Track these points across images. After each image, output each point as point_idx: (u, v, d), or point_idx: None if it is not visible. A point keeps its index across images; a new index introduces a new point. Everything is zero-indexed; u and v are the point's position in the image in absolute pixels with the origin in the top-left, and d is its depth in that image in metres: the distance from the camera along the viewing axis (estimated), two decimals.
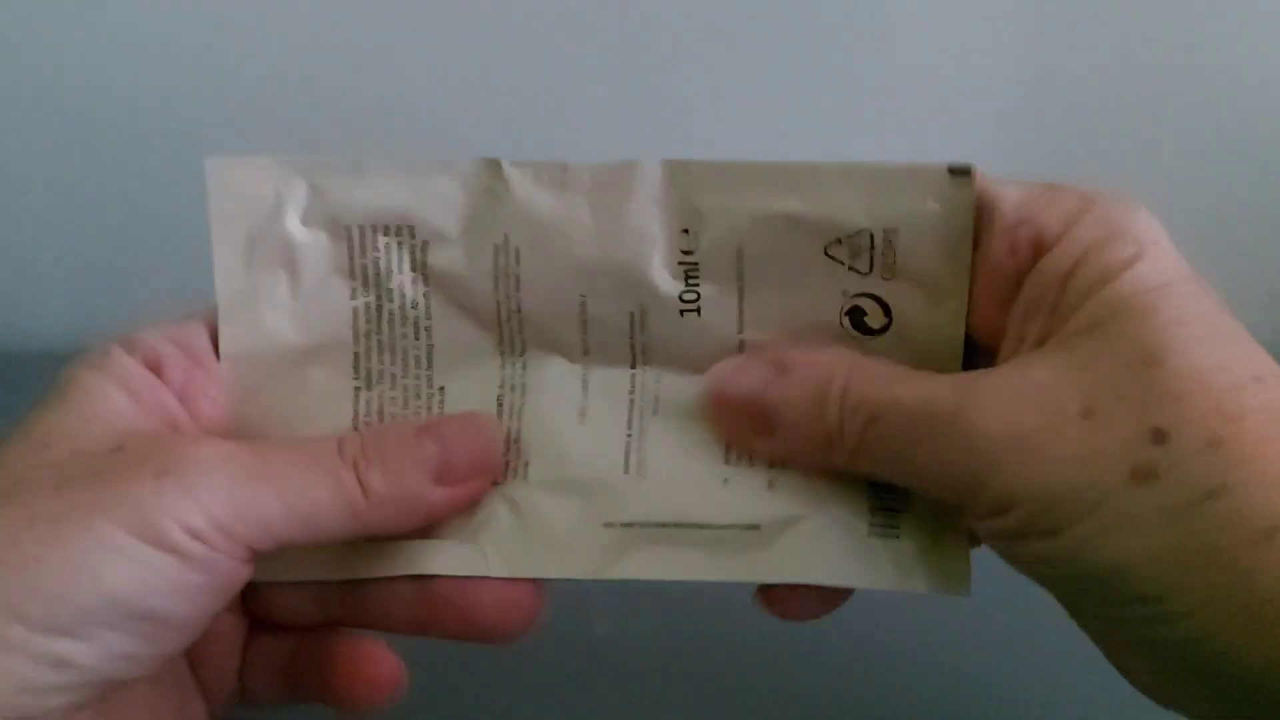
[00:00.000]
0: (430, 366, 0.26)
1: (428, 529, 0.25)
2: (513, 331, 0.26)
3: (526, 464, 0.26)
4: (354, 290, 0.25)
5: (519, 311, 0.25)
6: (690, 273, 0.25)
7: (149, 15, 0.43)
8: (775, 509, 0.25)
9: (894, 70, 0.44)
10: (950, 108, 0.44)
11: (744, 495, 0.25)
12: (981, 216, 0.23)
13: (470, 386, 0.26)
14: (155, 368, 0.23)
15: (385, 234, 0.25)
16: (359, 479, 0.22)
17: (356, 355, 0.25)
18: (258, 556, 0.22)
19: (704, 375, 0.25)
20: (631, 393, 0.26)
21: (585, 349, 0.26)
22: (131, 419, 0.22)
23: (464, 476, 0.24)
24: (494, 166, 0.24)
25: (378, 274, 0.25)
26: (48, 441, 0.21)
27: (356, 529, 0.22)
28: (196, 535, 0.20)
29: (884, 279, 0.24)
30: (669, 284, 0.25)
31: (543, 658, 0.36)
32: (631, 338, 0.25)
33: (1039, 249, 0.22)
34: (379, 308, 0.25)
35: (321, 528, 0.22)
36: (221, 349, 0.25)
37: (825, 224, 0.23)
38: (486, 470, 0.24)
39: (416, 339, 0.26)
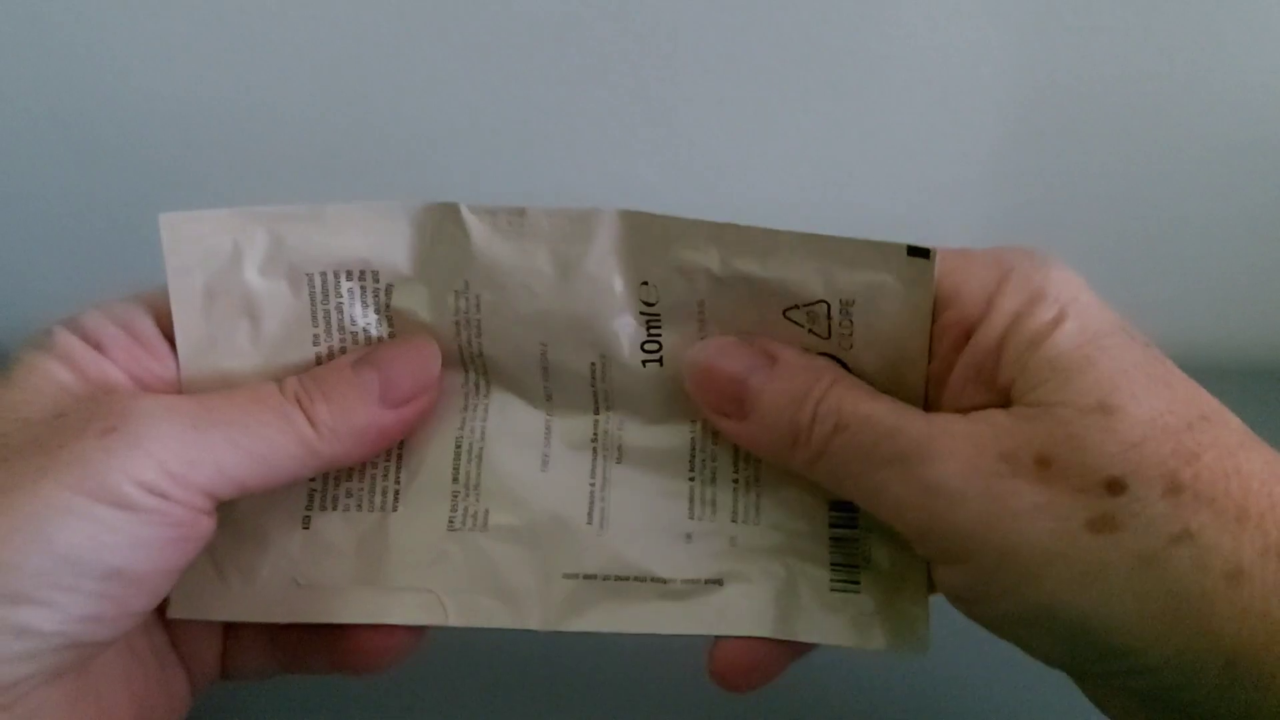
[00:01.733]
0: None
1: (375, 574, 0.24)
2: (477, 374, 0.26)
3: (486, 511, 0.25)
4: (316, 336, 0.25)
5: (481, 356, 0.25)
6: (652, 323, 0.25)
7: (148, 19, 0.43)
8: (737, 564, 0.25)
9: (893, 76, 0.44)
10: (949, 113, 0.44)
11: (706, 550, 0.25)
12: None
13: (430, 429, 0.25)
14: (97, 346, 0.23)
15: (348, 279, 0.25)
16: (305, 414, 0.22)
17: None
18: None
19: (670, 419, 0.25)
20: (594, 440, 0.25)
21: (548, 395, 0.26)
22: (74, 391, 0.22)
23: (408, 395, 0.24)
24: (452, 212, 0.24)
25: (340, 319, 0.25)
26: None
27: (313, 464, 0.22)
28: (149, 488, 0.20)
29: (842, 346, 0.24)
30: (631, 333, 0.25)
31: (538, 657, 0.36)
32: (594, 386, 0.25)
33: (966, 327, 0.22)
34: (343, 351, 0.25)
35: (277, 466, 0.22)
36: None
37: (783, 290, 0.23)
38: (429, 386, 0.24)
39: None
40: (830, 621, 0.24)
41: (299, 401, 0.22)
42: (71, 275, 0.50)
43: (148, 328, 0.24)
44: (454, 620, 0.24)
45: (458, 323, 0.25)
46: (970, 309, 0.22)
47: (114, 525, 0.20)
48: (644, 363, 0.25)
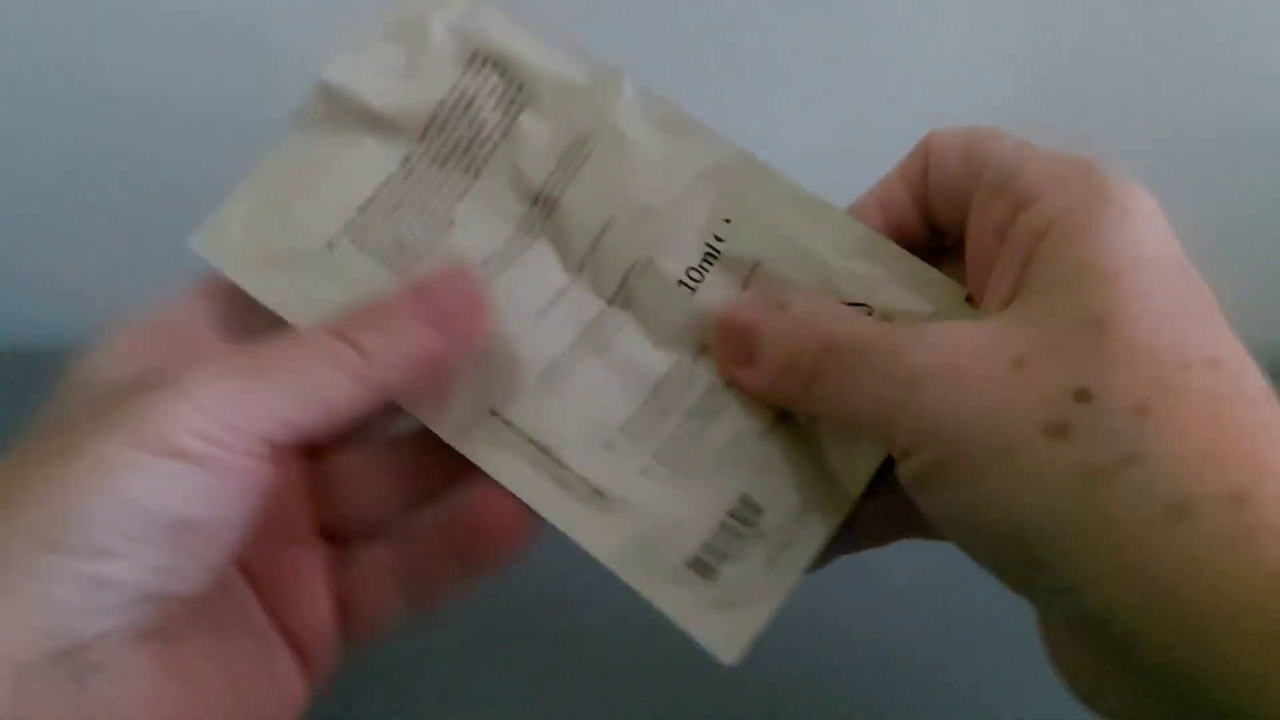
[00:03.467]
0: (460, 199, 0.27)
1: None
2: (537, 215, 0.26)
3: None
4: (442, 102, 0.27)
5: (555, 200, 0.26)
6: (709, 256, 0.26)
7: (149, 12, 0.43)
8: (629, 493, 0.25)
9: (895, 67, 0.44)
10: (950, 104, 0.44)
11: (614, 465, 0.25)
12: (976, 169, 0.23)
13: (470, 236, 0.26)
14: (167, 333, 0.24)
15: (499, 75, 0.27)
16: (353, 345, 0.22)
17: (409, 154, 0.27)
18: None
19: (664, 344, 0.26)
20: (592, 324, 0.26)
21: (580, 265, 0.26)
22: (164, 355, 0.23)
23: (455, 315, 0.23)
24: (615, 76, 0.26)
25: (471, 102, 0.27)
26: (79, 382, 0.22)
27: (369, 395, 0.22)
28: (204, 437, 0.20)
29: None
30: (687, 253, 0.26)
31: (534, 654, 0.36)
32: (625, 278, 0.26)
33: (1019, 205, 0.21)
34: (452, 128, 0.27)
35: (330, 403, 0.22)
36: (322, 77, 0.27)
37: (836, 278, 0.25)
38: (478, 308, 0.24)
39: (465, 172, 0.27)
40: (665, 587, 0.24)
41: (344, 335, 0.22)
42: (71, 275, 0.50)
43: (216, 314, 0.25)
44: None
45: (558, 164, 0.26)
46: (1031, 189, 0.21)
47: (175, 474, 0.20)
48: (679, 283, 0.26)
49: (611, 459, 0.25)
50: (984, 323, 0.20)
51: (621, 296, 0.26)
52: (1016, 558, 0.19)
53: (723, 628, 0.24)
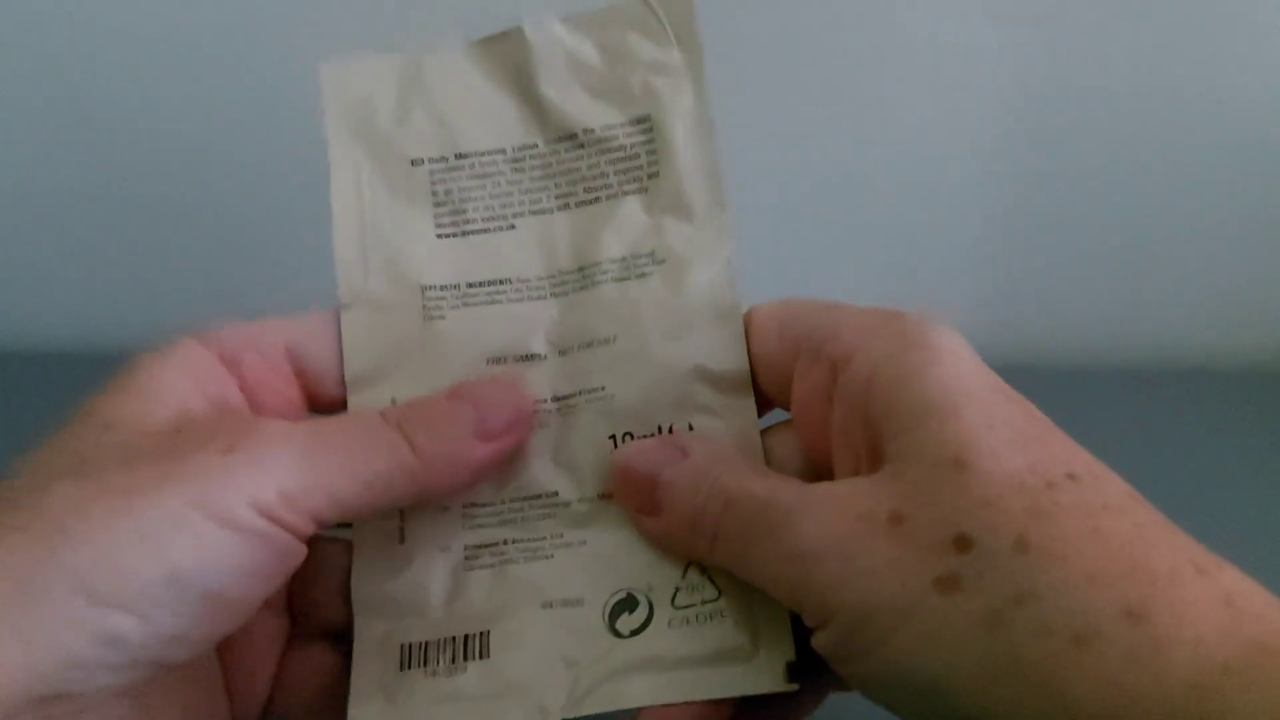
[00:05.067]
0: (533, 215, 0.27)
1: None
2: (571, 282, 0.27)
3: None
4: (590, 130, 0.27)
5: (595, 285, 0.26)
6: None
7: (154, 15, 0.44)
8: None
9: (893, 78, 0.44)
10: (949, 114, 0.44)
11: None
12: (792, 341, 0.24)
13: (511, 250, 0.27)
14: (230, 362, 0.23)
15: (649, 146, 0.26)
16: (409, 442, 0.22)
17: (534, 145, 0.27)
18: None
19: (609, 467, 0.25)
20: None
21: (563, 351, 0.26)
22: (193, 406, 0.22)
23: (502, 430, 0.24)
24: (725, 236, 0.26)
25: (610, 148, 0.27)
26: (109, 423, 0.21)
27: (414, 491, 0.23)
28: (264, 510, 0.20)
29: None
30: (639, 415, 0.25)
31: None
32: (580, 391, 0.26)
33: (839, 365, 0.22)
34: (578, 155, 0.27)
35: (383, 492, 0.22)
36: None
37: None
38: (524, 421, 0.24)
39: (556, 197, 0.27)
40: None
41: (402, 430, 0.22)
42: (72, 274, 0.50)
43: (277, 349, 0.24)
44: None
45: (623, 258, 0.26)
46: (846, 346, 0.22)
47: (219, 546, 0.20)
48: (610, 436, 0.25)
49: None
50: (857, 481, 0.21)
51: (565, 402, 0.26)
52: (941, 712, 0.19)
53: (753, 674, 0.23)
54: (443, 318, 0.26)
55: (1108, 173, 0.45)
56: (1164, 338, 0.49)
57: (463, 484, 0.24)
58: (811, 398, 0.23)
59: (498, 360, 0.26)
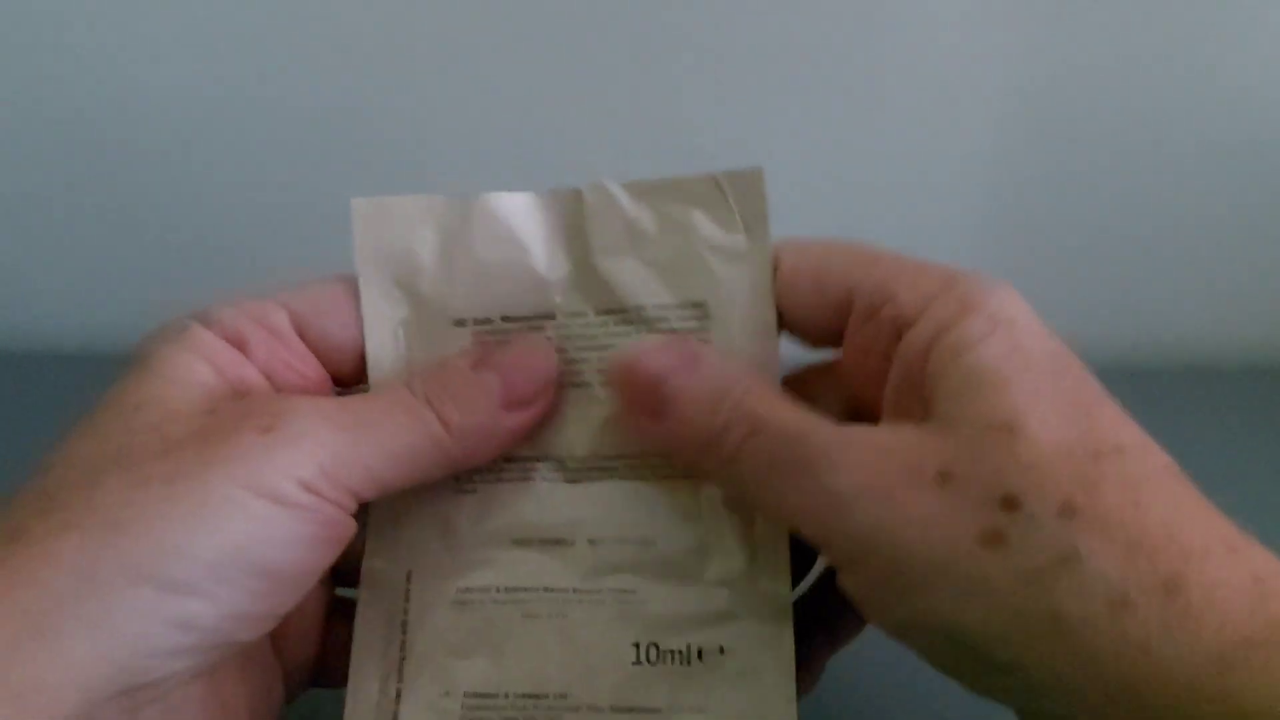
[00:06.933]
0: None
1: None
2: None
3: None
4: (617, 309, 0.26)
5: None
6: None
7: (151, 20, 0.43)
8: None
9: (891, 77, 0.44)
10: (948, 112, 0.44)
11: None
12: (843, 295, 0.23)
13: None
14: (237, 342, 0.23)
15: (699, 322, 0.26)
16: (437, 415, 0.23)
17: (561, 314, 0.26)
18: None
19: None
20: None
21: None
22: (216, 387, 0.22)
23: (529, 397, 0.24)
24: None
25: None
26: (138, 404, 0.21)
27: (445, 464, 0.23)
28: (308, 487, 0.20)
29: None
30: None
31: None
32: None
33: (900, 327, 0.22)
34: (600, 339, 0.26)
35: (417, 466, 0.23)
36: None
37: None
38: (548, 388, 0.25)
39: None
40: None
41: (430, 404, 0.23)
42: (71, 274, 0.50)
43: (284, 324, 0.24)
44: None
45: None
46: (906, 310, 0.22)
47: (272, 521, 0.20)
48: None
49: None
50: (900, 433, 0.21)
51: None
52: (975, 663, 0.20)
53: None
54: (474, 491, 0.26)
55: (1106, 171, 0.45)
56: (1162, 335, 0.49)
57: (492, 455, 0.24)
58: (867, 359, 0.23)
59: (522, 543, 0.25)
